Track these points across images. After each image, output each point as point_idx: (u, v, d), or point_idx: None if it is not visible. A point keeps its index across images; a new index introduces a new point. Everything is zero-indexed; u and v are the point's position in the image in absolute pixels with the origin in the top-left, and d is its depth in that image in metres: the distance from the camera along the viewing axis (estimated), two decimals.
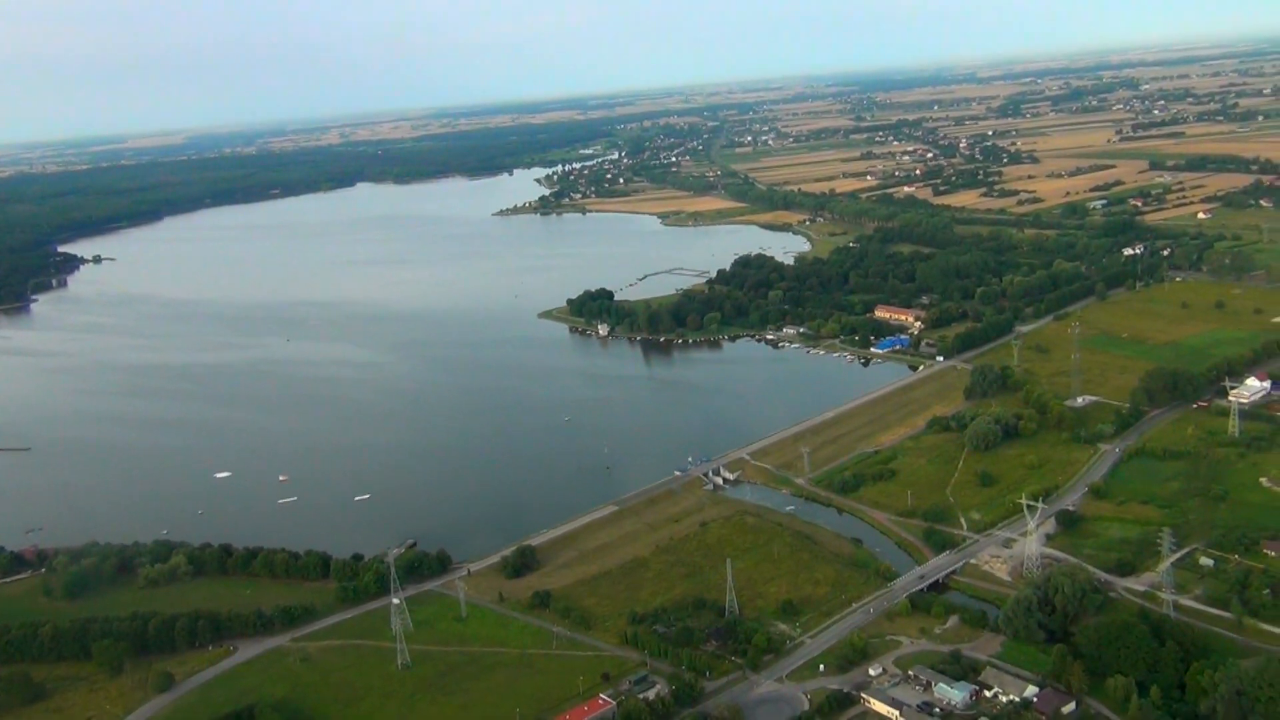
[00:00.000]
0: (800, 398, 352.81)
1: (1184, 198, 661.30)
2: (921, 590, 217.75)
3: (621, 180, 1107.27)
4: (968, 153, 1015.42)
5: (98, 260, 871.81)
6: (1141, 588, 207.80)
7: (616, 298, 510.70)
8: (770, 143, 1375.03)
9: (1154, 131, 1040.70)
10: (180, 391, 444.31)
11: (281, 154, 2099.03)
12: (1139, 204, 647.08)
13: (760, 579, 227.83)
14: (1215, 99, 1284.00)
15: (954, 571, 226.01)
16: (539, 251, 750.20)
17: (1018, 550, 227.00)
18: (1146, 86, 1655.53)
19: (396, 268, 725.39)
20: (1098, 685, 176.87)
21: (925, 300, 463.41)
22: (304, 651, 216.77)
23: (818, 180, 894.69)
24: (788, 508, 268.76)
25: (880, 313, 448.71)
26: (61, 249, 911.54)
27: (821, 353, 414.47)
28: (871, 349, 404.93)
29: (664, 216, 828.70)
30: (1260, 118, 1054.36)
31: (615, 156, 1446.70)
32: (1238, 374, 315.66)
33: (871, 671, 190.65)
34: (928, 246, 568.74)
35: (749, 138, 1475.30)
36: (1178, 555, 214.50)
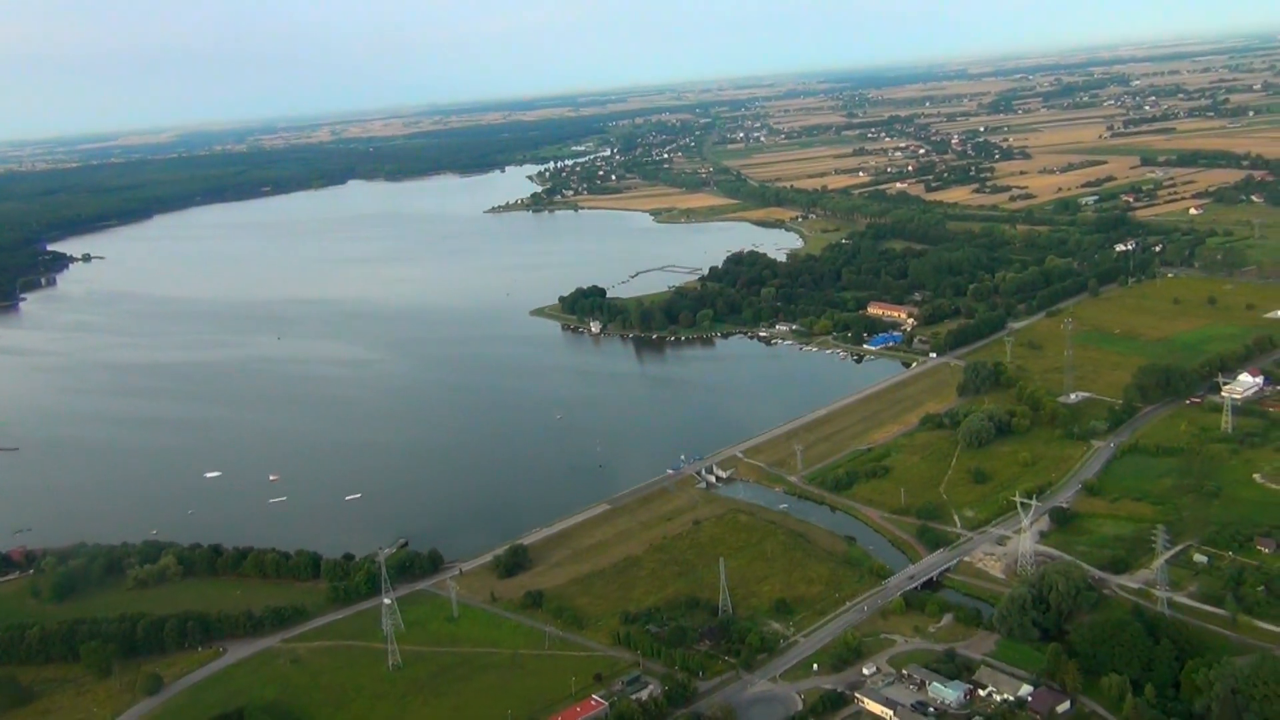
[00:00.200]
0: (793, 395, 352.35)
1: (1175, 193, 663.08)
2: (915, 588, 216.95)
3: (614, 177, 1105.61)
4: (960, 149, 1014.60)
5: (87, 259, 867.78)
6: (1136, 585, 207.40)
7: (609, 295, 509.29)
8: (762, 139, 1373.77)
9: (1145, 127, 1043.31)
10: (170, 390, 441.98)
11: (273, 151, 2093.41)
12: (1131, 200, 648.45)
13: (753, 578, 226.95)
14: (1206, 95, 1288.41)
15: (948, 569, 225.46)
16: (531, 249, 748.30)
17: (1011, 548, 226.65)
18: (1137, 82, 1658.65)
19: (388, 265, 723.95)
20: (1092, 684, 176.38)
21: (918, 297, 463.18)
22: (294, 653, 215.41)
23: (810, 177, 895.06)
24: (781, 506, 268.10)
25: (873, 309, 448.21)
26: (50, 247, 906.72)
27: (814, 350, 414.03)
28: (864, 346, 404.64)
29: (656, 213, 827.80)
30: (1251, 113, 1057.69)
31: (607, 153, 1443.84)
32: (1230, 370, 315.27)
33: (865, 671, 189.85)
34: (920, 243, 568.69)
35: (741, 134, 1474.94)
36: (1172, 552, 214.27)
